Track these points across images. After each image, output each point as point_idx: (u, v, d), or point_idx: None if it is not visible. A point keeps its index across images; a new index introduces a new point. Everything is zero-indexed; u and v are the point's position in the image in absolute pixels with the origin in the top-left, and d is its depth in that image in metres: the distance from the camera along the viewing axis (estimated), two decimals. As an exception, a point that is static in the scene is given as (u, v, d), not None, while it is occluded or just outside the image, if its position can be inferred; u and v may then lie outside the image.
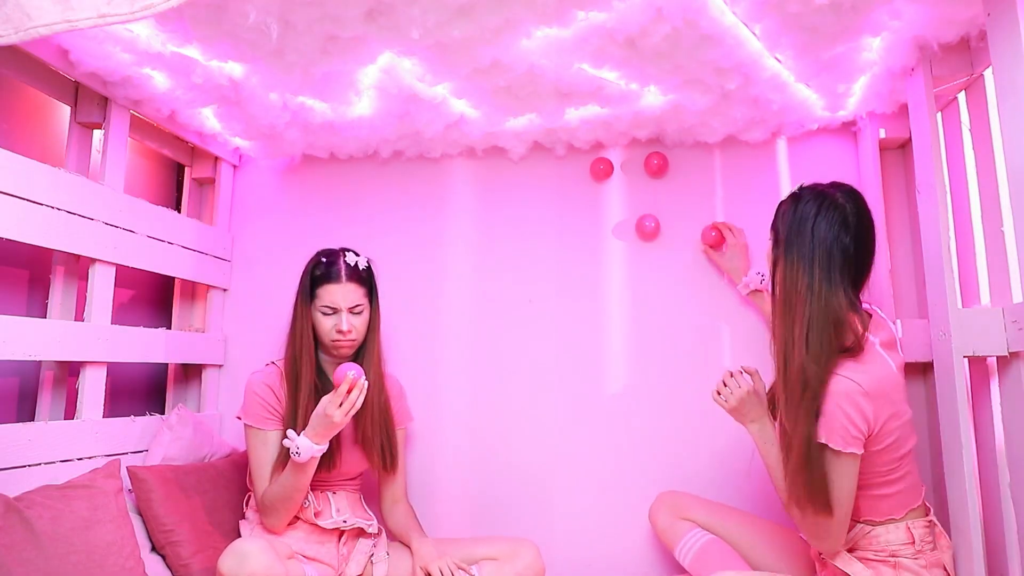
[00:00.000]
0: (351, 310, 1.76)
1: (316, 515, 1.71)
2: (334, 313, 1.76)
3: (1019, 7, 1.30)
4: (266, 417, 1.71)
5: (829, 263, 1.42)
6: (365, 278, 1.81)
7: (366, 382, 1.60)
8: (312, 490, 1.72)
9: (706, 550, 1.70)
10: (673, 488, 2.00)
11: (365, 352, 1.83)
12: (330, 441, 1.63)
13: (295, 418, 1.69)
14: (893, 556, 1.44)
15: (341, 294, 1.75)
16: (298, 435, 1.58)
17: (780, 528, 1.75)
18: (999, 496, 1.54)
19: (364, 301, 1.79)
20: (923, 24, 1.55)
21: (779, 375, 1.47)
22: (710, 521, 1.75)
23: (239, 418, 1.75)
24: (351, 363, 1.61)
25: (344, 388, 1.56)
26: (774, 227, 1.55)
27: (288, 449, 1.60)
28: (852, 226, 1.44)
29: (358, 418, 1.73)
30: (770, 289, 1.58)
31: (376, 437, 1.79)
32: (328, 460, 1.68)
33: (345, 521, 1.73)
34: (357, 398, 1.57)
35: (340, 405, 1.56)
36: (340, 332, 1.74)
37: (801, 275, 1.43)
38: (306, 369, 1.74)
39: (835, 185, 1.51)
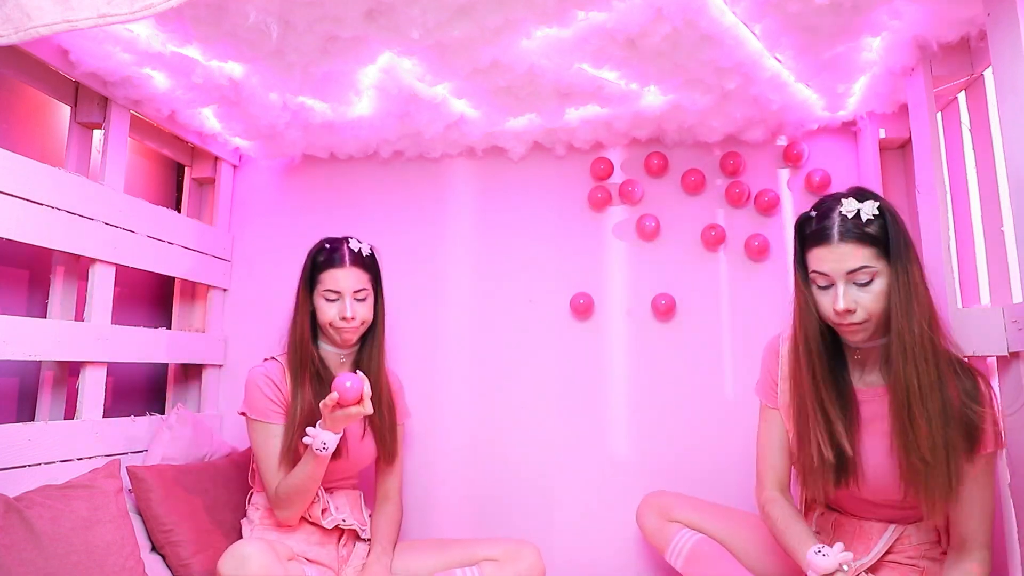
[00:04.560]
0: (355, 295, 1.74)
1: (323, 512, 1.71)
2: (337, 299, 1.73)
3: (1019, 7, 1.30)
4: (271, 410, 1.70)
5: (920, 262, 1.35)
6: (369, 264, 1.80)
7: (368, 389, 1.57)
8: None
9: (697, 550, 1.68)
10: (671, 487, 2.00)
11: (369, 342, 1.82)
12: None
13: (296, 410, 1.68)
14: (923, 558, 1.41)
15: (344, 278, 1.73)
16: (316, 428, 1.57)
17: None
18: (999, 496, 1.54)
19: (368, 287, 1.77)
20: (923, 24, 1.55)
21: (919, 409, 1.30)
22: (698, 520, 1.73)
23: (242, 414, 1.73)
24: (349, 373, 1.57)
25: (342, 398, 1.53)
26: (871, 239, 1.34)
27: (287, 442, 1.63)
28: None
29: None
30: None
31: (383, 426, 1.79)
32: (339, 449, 1.66)
33: (344, 520, 1.73)
34: (366, 403, 1.55)
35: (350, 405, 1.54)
36: (344, 319, 1.72)
37: (917, 275, 1.32)
38: (306, 359, 1.73)
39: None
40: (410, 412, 2.01)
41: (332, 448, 1.57)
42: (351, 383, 1.53)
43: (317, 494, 1.70)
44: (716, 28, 1.54)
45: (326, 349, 1.80)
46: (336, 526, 1.73)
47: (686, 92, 1.86)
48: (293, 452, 1.65)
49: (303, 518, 1.71)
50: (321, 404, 1.55)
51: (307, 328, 1.76)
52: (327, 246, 1.79)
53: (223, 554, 1.45)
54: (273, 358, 1.79)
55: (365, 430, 1.79)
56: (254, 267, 2.32)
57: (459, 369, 2.20)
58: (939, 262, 1.60)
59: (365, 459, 1.82)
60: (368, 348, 1.82)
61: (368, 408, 1.55)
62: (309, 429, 1.57)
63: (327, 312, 1.74)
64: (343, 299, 1.73)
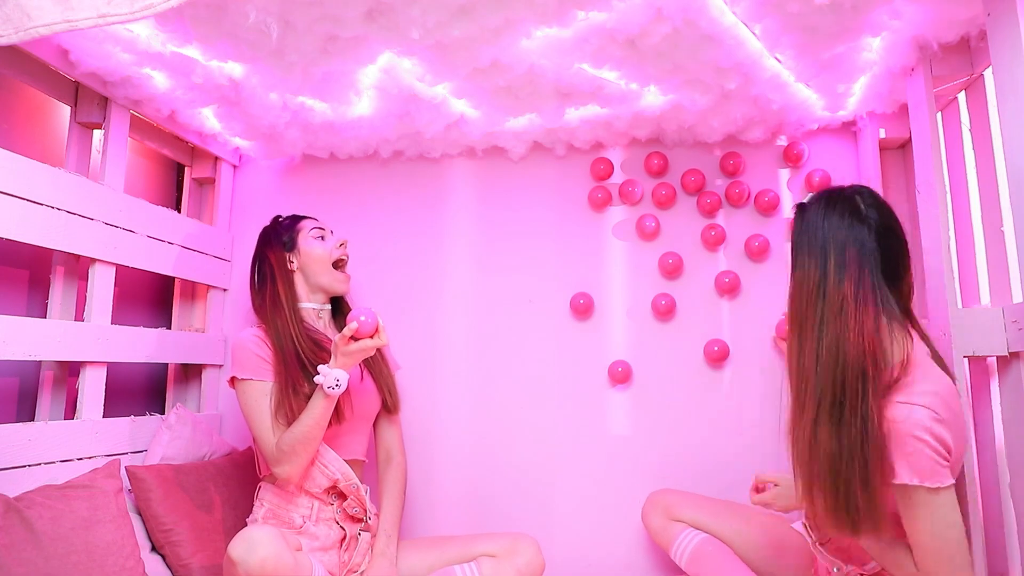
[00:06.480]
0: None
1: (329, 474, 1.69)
2: (325, 235, 1.89)
3: (1019, 7, 1.30)
4: (262, 368, 1.70)
5: (845, 259, 1.24)
6: None
7: (382, 322, 1.60)
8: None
9: (700, 550, 1.69)
10: (671, 484, 2.00)
11: (339, 300, 1.94)
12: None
13: (286, 366, 1.68)
14: None
15: (318, 221, 1.93)
16: (326, 367, 1.57)
17: (774, 520, 1.74)
18: (999, 496, 1.54)
19: None
20: (923, 24, 1.55)
21: (797, 406, 1.28)
22: (702, 519, 1.73)
23: (232, 380, 1.72)
24: (362, 307, 1.60)
25: (360, 330, 1.55)
26: (791, 248, 1.37)
27: (280, 397, 1.65)
28: (868, 216, 1.27)
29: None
30: None
31: (381, 372, 1.85)
32: (341, 404, 1.67)
33: (348, 490, 1.71)
34: (382, 333, 1.59)
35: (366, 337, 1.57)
36: (342, 245, 1.89)
37: (812, 273, 1.26)
38: (292, 318, 1.76)
39: (844, 186, 1.36)
40: (399, 365, 2.05)
41: (344, 386, 1.55)
42: (365, 316, 1.55)
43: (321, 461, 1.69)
44: (716, 28, 1.54)
45: (304, 308, 1.85)
46: (339, 525, 1.72)
47: (686, 92, 1.86)
48: (287, 409, 1.65)
49: (302, 519, 1.70)
50: (337, 338, 1.56)
51: (293, 284, 1.84)
52: (278, 216, 1.94)
53: (234, 538, 1.42)
54: (254, 328, 1.81)
55: (363, 373, 1.82)
56: (254, 267, 2.32)
57: (459, 369, 2.20)
58: (939, 262, 1.60)
59: (368, 407, 1.82)
60: (340, 304, 1.94)
61: (384, 339, 1.58)
62: (321, 367, 1.57)
63: (324, 249, 1.86)
64: (328, 233, 1.90)
